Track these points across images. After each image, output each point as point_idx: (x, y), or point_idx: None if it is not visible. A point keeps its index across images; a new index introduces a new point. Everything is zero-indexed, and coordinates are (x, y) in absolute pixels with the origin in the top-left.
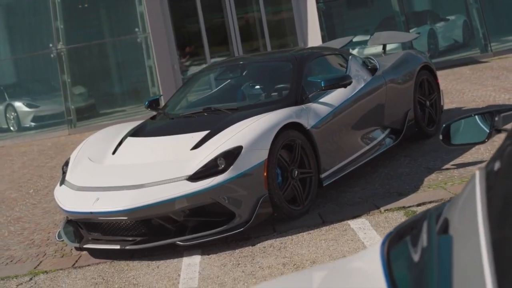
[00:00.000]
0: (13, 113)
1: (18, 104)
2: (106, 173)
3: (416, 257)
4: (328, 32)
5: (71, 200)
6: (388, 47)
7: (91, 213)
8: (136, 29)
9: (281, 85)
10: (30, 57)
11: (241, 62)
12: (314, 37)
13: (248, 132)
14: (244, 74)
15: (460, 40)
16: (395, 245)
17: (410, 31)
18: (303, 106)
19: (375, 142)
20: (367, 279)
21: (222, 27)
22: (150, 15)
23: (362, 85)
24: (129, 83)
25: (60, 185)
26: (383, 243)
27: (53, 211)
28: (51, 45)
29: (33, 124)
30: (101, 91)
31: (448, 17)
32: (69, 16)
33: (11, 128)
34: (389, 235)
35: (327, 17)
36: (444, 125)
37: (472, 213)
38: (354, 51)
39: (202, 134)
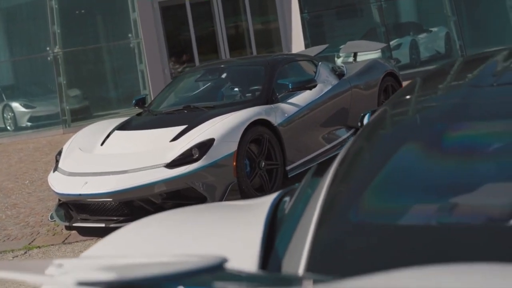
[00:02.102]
0: (10, 113)
1: (15, 105)
2: (95, 161)
3: (292, 201)
4: (312, 41)
5: (62, 183)
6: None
7: (80, 195)
8: (130, 35)
9: (255, 87)
10: (27, 60)
11: (221, 66)
12: (298, 46)
13: (221, 127)
14: (223, 76)
15: (442, 51)
16: (285, 196)
17: (392, 41)
18: (272, 105)
19: (339, 140)
20: (248, 223)
21: (212, 35)
22: (142, 22)
23: (329, 88)
24: (122, 87)
25: (54, 171)
26: (276, 197)
27: (46, 199)
28: (48, 48)
29: (29, 124)
30: (95, 93)
31: (431, 29)
32: (65, 21)
33: (8, 127)
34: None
35: (311, 26)
36: (362, 114)
37: (330, 168)
38: (339, 60)
39: (181, 128)
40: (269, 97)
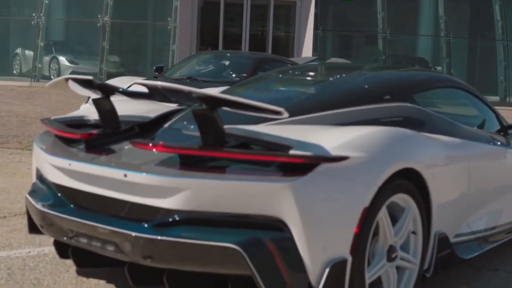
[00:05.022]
0: (56, 65)
1: (62, 59)
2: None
3: None
4: (320, 55)
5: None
6: None
7: None
8: (169, 19)
9: (242, 74)
10: (79, 22)
11: (227, 54)
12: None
13: None
14: (223, 61)
15: None
16: None
17: None
18: None
19: None
20: None
21: (237, 34)
22: (181, 10)
23: None
24: (154, 61)
25: (85, 103)
26: None
27: None
28: (99, 16)
29: None
30: (131, 62)
31: (436, 67)
32: None
33: (52, 77)
34: None
35: (322, 42)
36: None
37: None
38: None
39: None
40: None
